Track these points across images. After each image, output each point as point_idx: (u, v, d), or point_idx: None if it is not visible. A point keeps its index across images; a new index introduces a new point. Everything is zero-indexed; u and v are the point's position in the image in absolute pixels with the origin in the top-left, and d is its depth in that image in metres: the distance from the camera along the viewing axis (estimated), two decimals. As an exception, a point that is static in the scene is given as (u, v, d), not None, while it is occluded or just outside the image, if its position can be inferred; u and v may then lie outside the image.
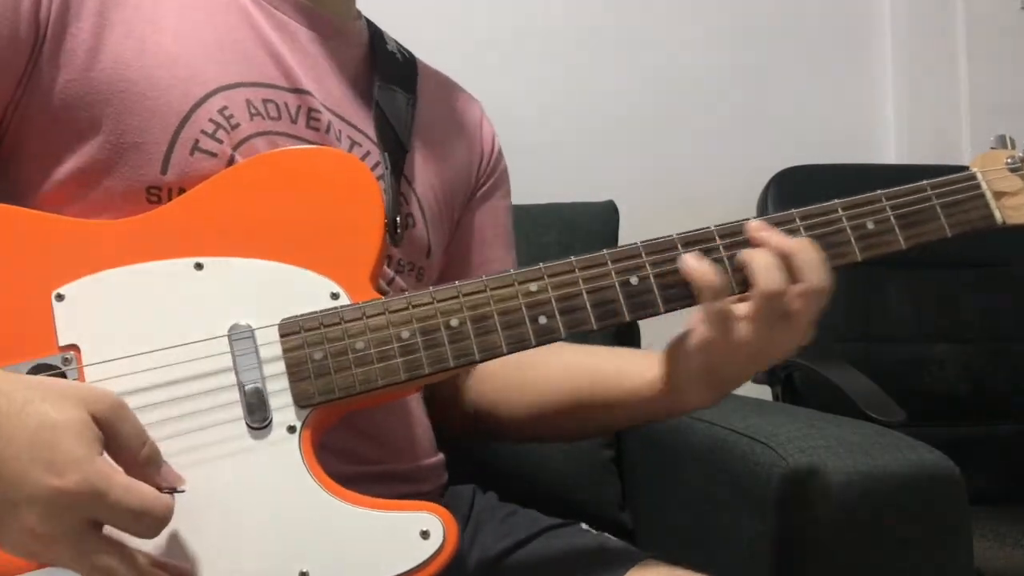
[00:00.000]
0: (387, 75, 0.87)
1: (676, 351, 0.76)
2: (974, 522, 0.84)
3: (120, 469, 0.55)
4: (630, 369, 0.81)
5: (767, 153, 1.83)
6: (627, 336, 1.34)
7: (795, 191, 1.70)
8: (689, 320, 0.73)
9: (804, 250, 0.69)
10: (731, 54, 1.95)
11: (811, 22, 1.99)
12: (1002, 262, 1.71)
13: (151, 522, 0.54)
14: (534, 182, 1.59)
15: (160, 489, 0.57)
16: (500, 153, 0.99)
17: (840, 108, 1.99)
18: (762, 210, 1.71)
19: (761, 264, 0.68)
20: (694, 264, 0.69)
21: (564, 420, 0.87)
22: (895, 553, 0.82)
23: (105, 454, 0.55)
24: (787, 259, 0.69)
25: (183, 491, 0.59)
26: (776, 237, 0.70)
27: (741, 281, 0.69)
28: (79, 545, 0.53)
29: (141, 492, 0.54)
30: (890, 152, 2.01)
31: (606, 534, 0.89)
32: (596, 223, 1.44)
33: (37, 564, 0.56)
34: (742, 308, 0.69)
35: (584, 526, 0.89)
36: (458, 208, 0.94)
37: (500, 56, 1.84)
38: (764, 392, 1.59)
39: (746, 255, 0.69)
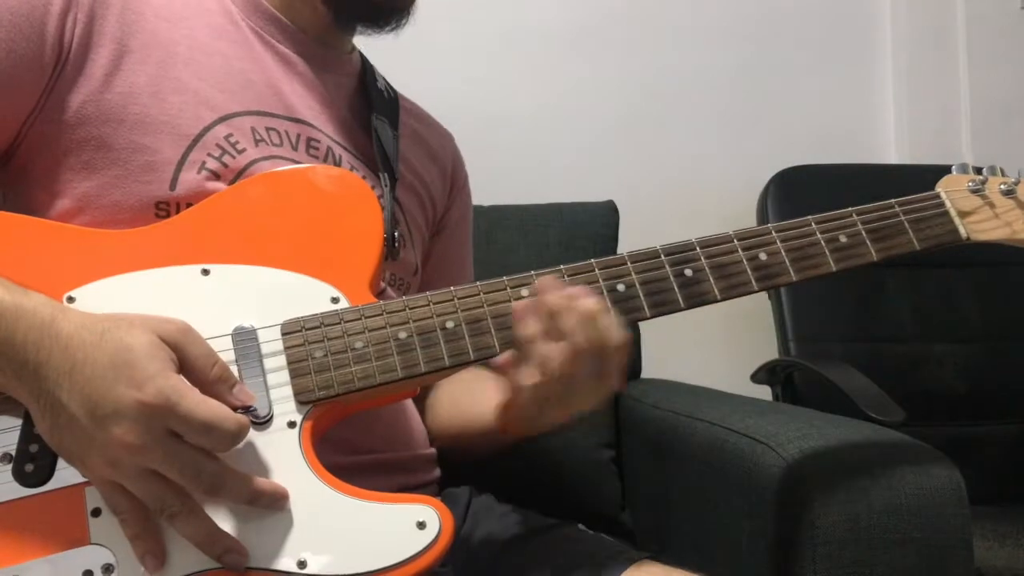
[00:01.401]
0: (378, 109, 0.92)
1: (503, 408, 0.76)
2: (974, 522, 0.84)
3: (195, 388, 0.60)
4: (487, 407, 0.82)
5: (767, 153, 1.83)
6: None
7: (795, 191, 1.70)
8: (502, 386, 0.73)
9: (569, 309, 0.67)
10: (731, 54, 1.95)
11: (811, 22, 1.99)
12: (1002, 262, 1.71)
13: (221, 435, 0.59)
14: (534, 182, 1.60)
15: (234, 408, 0.61)
16: (466, 179, 1.05)
17: (840, 108, 1.99)
18: (762, 210, 1.71)
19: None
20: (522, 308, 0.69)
21: (460, 448, 0.93)
22: (895, 553, 0.82)
23: (181, 376, 0.60)
24: (554, 318, 0.67)
25: (255, 409, 0.63)
26: (550, 297, 0.68)
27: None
28: (166, 448, 0.58)
29: (211, 406, 0.59)
30: (890, 152, 2.01)
31: (602, 534, 0.89)
32: (596, 223, 1.44)
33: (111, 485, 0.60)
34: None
35: (581, 526, 0.90)
36: (431, 230, 0.99)
37: (500, 56, 1.84)
38: (764, 392, 1.59)
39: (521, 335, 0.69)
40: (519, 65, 1.85)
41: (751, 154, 1.89)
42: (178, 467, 0.59)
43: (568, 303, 0.67)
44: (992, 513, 1.37)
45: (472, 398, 0.90)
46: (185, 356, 0.61)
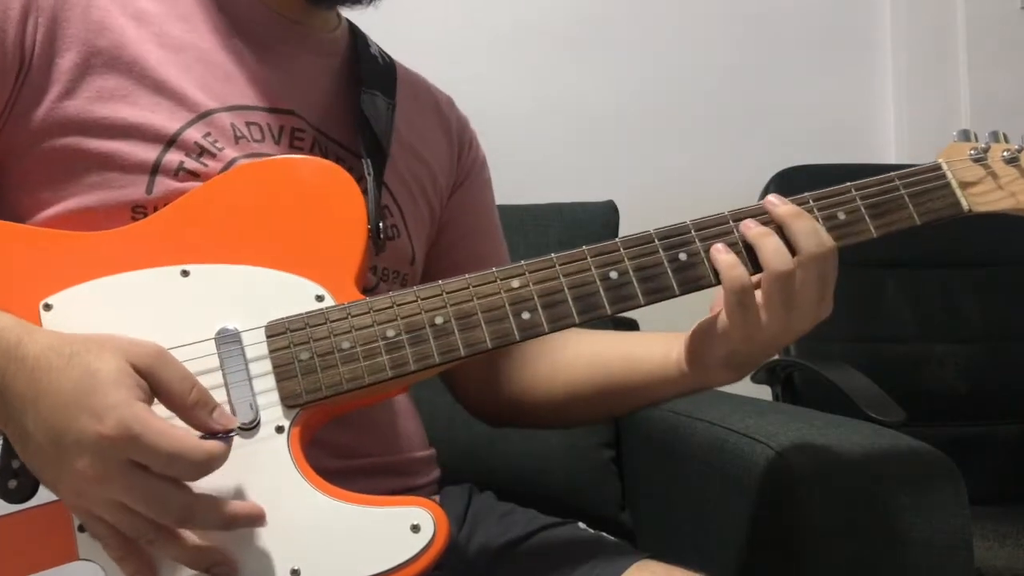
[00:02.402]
0: (369, 81, 0.88)
1: (701, 337, 0.77)
2: (974, 522, 0.84)
3: (161, 415, 0.57)
4: (655, 353, 0.82)
5: (767, 153, 1.83)
6: (626, 328, 1.34)
7: (795, 191, 1.69)
8: (711, 306, 0.75)
9: (795, 217, 0.71)
10: (731, 54, 1.95)
11: (811, 22, 1.99)
12: (1002, 262, 1.71)
13: (186, 466, 0.56)
14: (534, 182, 1.59)
15: (215, 433, 0.59)
16: (475, 144, 1.00)
17: (840, 108, 1.99)
18: (762, 210, 1.71)
19: (770, 247, 0.70)
20: (723, 256, 0.70)
21: (594, 405, 0.88)
22: (895, 553, 0.82)
23: (156, 401, 0.58)
24: (782, 230, 0.71)
25: (235, 434, 0.61)
26: (779, 208, 0.72)
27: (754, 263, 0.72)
28: (129, 481, 0.55)
29: (175, 436, 0.56)
30: (890, 152, 2.01)
31: (603, 533, 0.89)
32: (596, 223, 1.44)
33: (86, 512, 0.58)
34: (759, 294, 0.70)
35: (582, 525, 0.89)
36: (440, 207, 0.94)
37: (500, 56, 1.84)
38: (764, 392, 1.59)
39: (754, 239, 0.71)
40: (519, 64, 1.85)
41: (751, 154, 1.89)
42: (143, 500, 0.56)
43: (791, 213, 0.71)
44: (992, 513, 1.37)
45: (627, 350, 0.85)
46: (158, 382, 0.58)
